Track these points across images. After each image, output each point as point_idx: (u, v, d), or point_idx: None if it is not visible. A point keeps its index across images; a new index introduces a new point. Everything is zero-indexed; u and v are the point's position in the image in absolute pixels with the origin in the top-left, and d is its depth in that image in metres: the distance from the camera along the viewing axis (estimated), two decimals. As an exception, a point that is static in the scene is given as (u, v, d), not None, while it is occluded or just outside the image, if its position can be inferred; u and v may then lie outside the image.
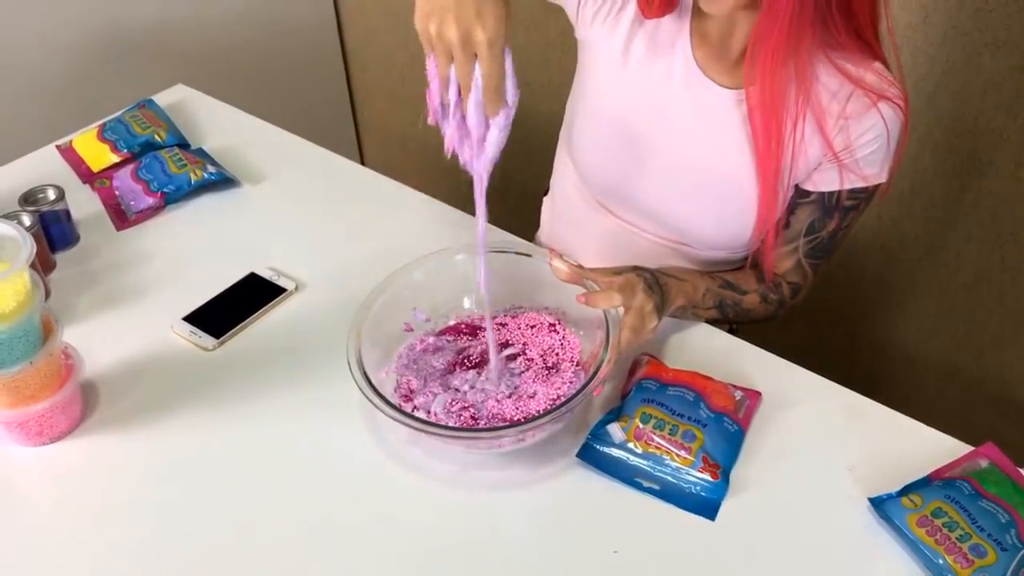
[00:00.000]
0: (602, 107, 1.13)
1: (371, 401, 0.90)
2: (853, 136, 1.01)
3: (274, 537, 0.89)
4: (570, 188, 1.24)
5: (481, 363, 1.02)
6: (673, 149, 1.10)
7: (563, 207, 1.29)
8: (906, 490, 0.90)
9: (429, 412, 0.96)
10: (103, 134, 1.41)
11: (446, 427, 0.91)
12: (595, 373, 0.91)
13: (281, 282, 1.16)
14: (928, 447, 0.97)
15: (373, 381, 0.92)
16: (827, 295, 1.75)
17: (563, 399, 0.93)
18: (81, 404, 1.00)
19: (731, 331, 1.20)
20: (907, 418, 1.01)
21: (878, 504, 0.90)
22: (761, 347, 1.09)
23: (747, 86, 1.01)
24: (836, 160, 1.02)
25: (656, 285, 1.01)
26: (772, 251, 1.10)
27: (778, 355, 1.08)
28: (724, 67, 1.05)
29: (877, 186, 1.05)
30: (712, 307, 1.10)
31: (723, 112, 1.05)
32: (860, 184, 1.04)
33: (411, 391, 0.99)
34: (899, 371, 1.85)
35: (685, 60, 1.06)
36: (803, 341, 1.73)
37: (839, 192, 1.05)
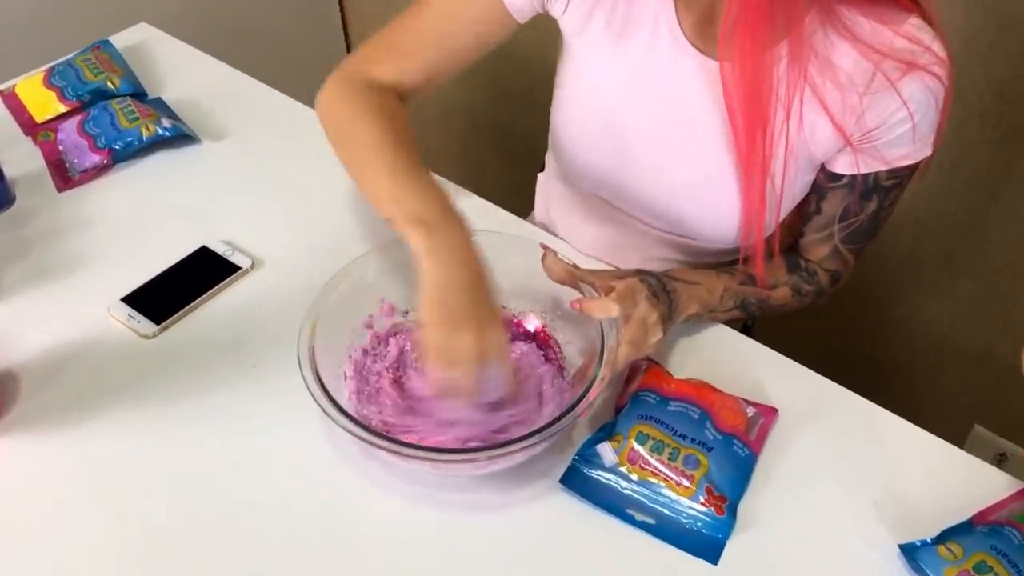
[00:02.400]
0: (582, 94, 0.98)
1: (320, 406, 0.76)
2: (882, 116, 0.85)
3: (214, 553, 0.77)
4: (558, 171, 1.10)
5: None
6: (661, 132, 0.94)
7: (558, 188, 1.14)
8: (944, 536, 0.77)
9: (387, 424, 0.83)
10: (50, 79, 1.26)
11: (404, 444, 0.77)
12: (584, 394, 0.77)
13: (235, 259, 1.02)
14: (971, 479, 0.83)
15: (326, 382, 0.79)
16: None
17: (547, 421, 0.79)
18: (-4, 399, 0.87)
19: (746, 327, 1.06)
20: (944, 443, 0.87)
21: (910, 552, 0.77)
22: (779, 329, 0.95)
23: (722, 61, 0.86)
24: (861, 144, 0.87)
25: (663, 292, 0.87)
26: (762, 260, 0.94)
27: (796, 337, 0.94)
28: (714, 33, 0.89)
29: (921, 160, 0.90)
30: (733, 308, 0.96)
31: (715, 87, 0.89)
32: (898, 164, 0.89)
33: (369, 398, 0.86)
34: (926, 354, 1.71)
35: (670, 29, 0.90)
36: (824, 322, 1.60)
37: (876, 173, 0.90)
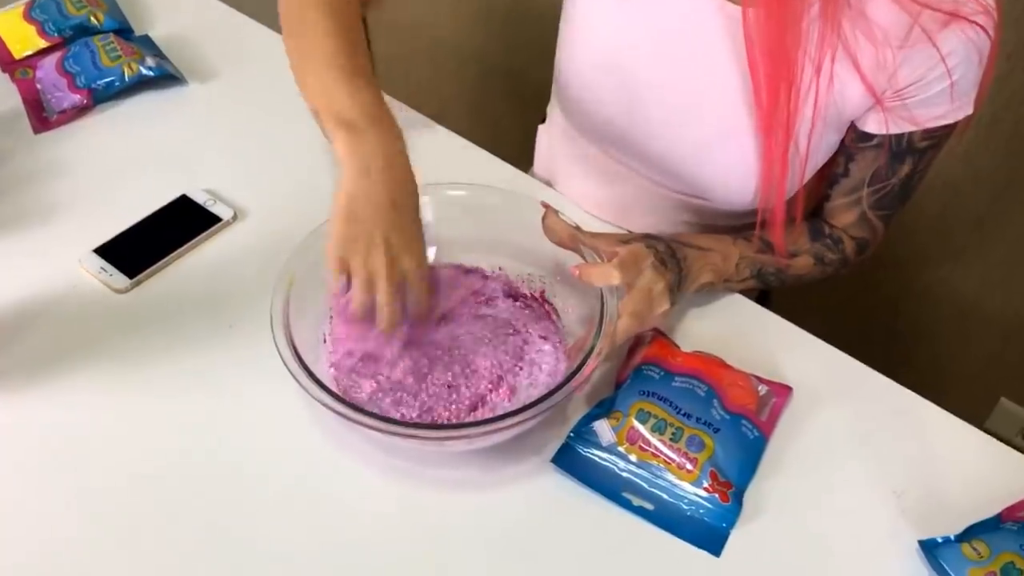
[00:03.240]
0: (590, 41, 0.90)
1: (293, 375, 0.70)
2: (918, 72, 0.77)
3: (183, 516, 0.72)
4: (564, 124, 1.02)
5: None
6: (675, 83, 0.86)
7: (561, 142, 1.06)
8: (969, 533, 0.70)
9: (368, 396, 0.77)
10: (31, 12, 1.18)
11: (381, 418, 0.71)
12: (579, 367, 0.70)
13: (216, 209, 0.96)
14: (1000, 471, 0.77)
15: (300, 347, 0.73)
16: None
17: (536, 397, 0.72)
18: (-44, 355, 0.82)
19: (761, 296, 0.98)
20: (975, 430, 0.80)
21: (931, 549, 0.70)
22: (795, 296, 0.88)
23: (745, 6, 0.77)
24: (892, 103, 0.79)
25: (671, 259, 0.80)
26: (782, 226, 0.87)
27: (816, 300, 0.87)
28: None
29: (960, 120, 0.82)
30: (749, 277, 0.88)
31: (737, 36, 0.81)
32: (936, 124, 0.81)
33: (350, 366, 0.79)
34: (952, 324, 1.63)
35: None
36: (845, 288, 1.52)
37: (909, 134, 0.82)
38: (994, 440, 0.79)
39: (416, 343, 0.79)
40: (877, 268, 1.58)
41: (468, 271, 0.88)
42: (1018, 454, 0.78)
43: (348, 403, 0.69)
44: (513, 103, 2.07)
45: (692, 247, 0.85)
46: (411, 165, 0.74)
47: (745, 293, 0.91)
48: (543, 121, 1.12)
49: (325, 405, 0.68)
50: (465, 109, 2.16)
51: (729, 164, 0.87)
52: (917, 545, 0.71)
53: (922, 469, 0.77)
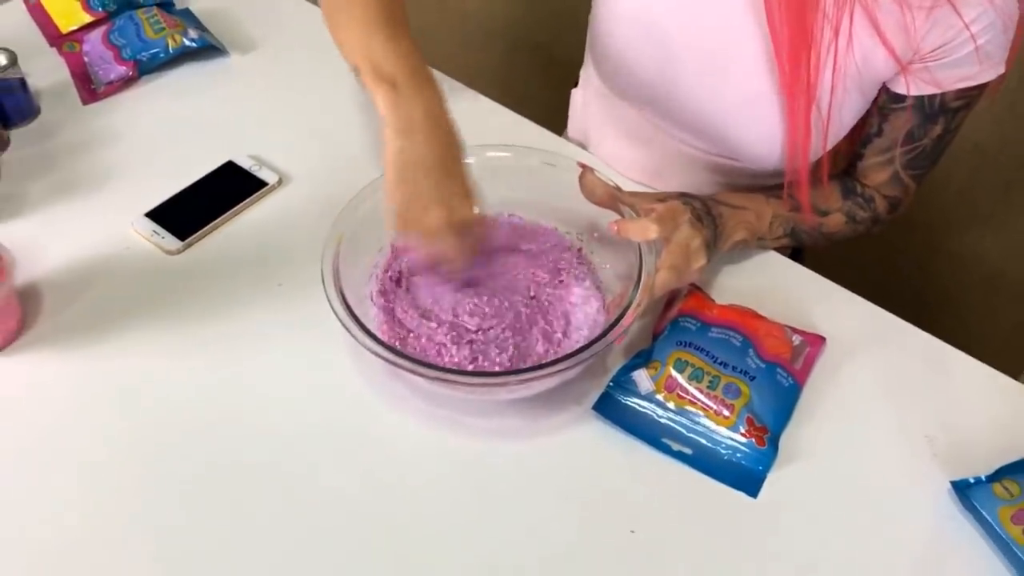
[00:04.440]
0: (625, 5, 0.91)
1: (343, 324, 0.73)
2: (944, 37, 0.78)
3: (227, 476, 0.75)
4: (599, 87, 1.04)
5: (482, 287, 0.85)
6: (707, 45, 0.88)
7: (595, 103, 1.08)
8: (1000, 474, 0.73)
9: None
10: (75, -12, 1.22)
11: (427, 365, 0.74)
12: (619, 319, 0.73)
13: (262, 174, 0.99)
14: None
15: (350, 300, 0.75)
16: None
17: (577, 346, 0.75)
18: (18, 313, 0.85)
19: (794, 253, 1.00)
20: (1004, 376, 0.82)
21: (963, 489, 0.73)
22: (825, 259, 0.90)
23: None
24: (917, 66, 0.80)
25: (707, 216, 0.82)
26: (807, 186, 0.88)
27: (844, 266, 0.89)
28: None
29: (991, 80, 0.83)
30: (783, 235, 0.91)
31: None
32: (968, 84, 0.82)
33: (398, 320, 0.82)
34: (979, 290, 1.64)
35: None
36: (873, 253, 1.53)
37: (942, 94, 0.83)
38: (1022, 386, 0.81)
39: (475, 284, 0.83)
40: (906, 232, 1.60)
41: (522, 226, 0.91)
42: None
43: (396, 350, 0.72)
44: (540, 77, 2.08)
45: (726, 205, 0.87)
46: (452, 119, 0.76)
47: (779, 250, 0.93)
48: (575, 85, 1.14)
49: (374, 352, 0.71)
50: (492, 83, 2.18)
51: (756, 126, 0.89)
52: (949, 486, 0.73)
53: (953, 415, 0.79)
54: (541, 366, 0.71)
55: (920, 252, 1.66)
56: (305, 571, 0.69)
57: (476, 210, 0.77)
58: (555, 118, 1.18)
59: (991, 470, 0.73)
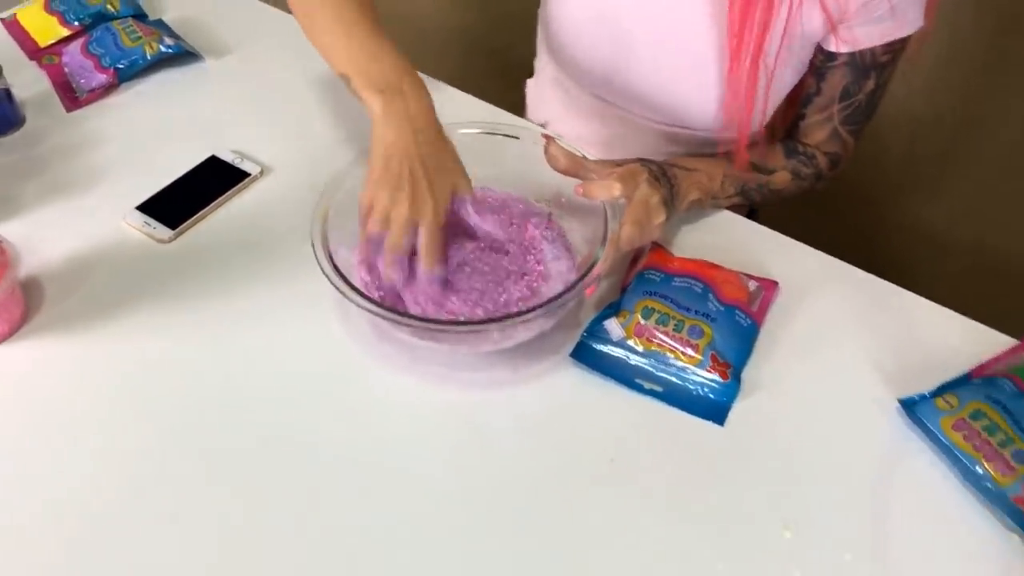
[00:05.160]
0: None
1: (334, 285, 0.79)
2: None
3: (233, 448, 0.80)
4: (554, 74, 1.11)
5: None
6: (658, 15, 0.95)
7: (552, 93, 1.15)
8: (941, 390, 0.80)
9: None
10: (51, 5, 1.27)
11: (415, 317, 0.80)
12: (588, 270, 0.79)
13: (244, 166, 1.04)
14: (967, 341, 0.86)
15: (339, 264, 0.81)
16: (848, 174, 1.61)
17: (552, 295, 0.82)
18: (22, 304, 0.90)
19: (750, 213, 1.08)
20: (944, 308, 0.90)
21: (909, 406, 0.80)
22: (778, 228, 0.98)
23: None
24: (845, 24, 0.89)
25: (663, 176, 0.89)
26: (745, 149, 0.96)
27: (795, 237, 0.97)
28: None
29: (914, 32, 0.92)
30: (734, 194, 0.98)
31: None
32: (891, 38, 0.91)
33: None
34: (927, 256, 1.73)
35: None
36: (821, 224, 1.61)
37: (872, 49, 0.91)
38: (964, 317, 0.89)
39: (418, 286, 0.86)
40: (853, 206, 1.69)
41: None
42: (986, 327, 0.88)
43: (386, 305, 0.78)
44: (499, 81, 2.15)
45: (680, 168, 0.94)
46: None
47: (734, 210, 1.00)
48: (530, 76, 1.21)
49: (366, 309, 0.77)
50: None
51: (704, 91, 0.96)
52: (898, 404, 0.81)
53: (900, 344, 0.86)
54: (520, 312, 0.77)
55: (868, 225, 1.75)
56: (315, 521, 0.74)
57: (439, 218, 0.81)
58: (515, 113, 1.25)
59: (934, 388, 0.80)
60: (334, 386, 0.84)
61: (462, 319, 0.83)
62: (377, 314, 0.77)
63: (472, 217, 0.87)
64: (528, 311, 0.77)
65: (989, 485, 0.74)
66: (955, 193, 1.62)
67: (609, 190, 0.84)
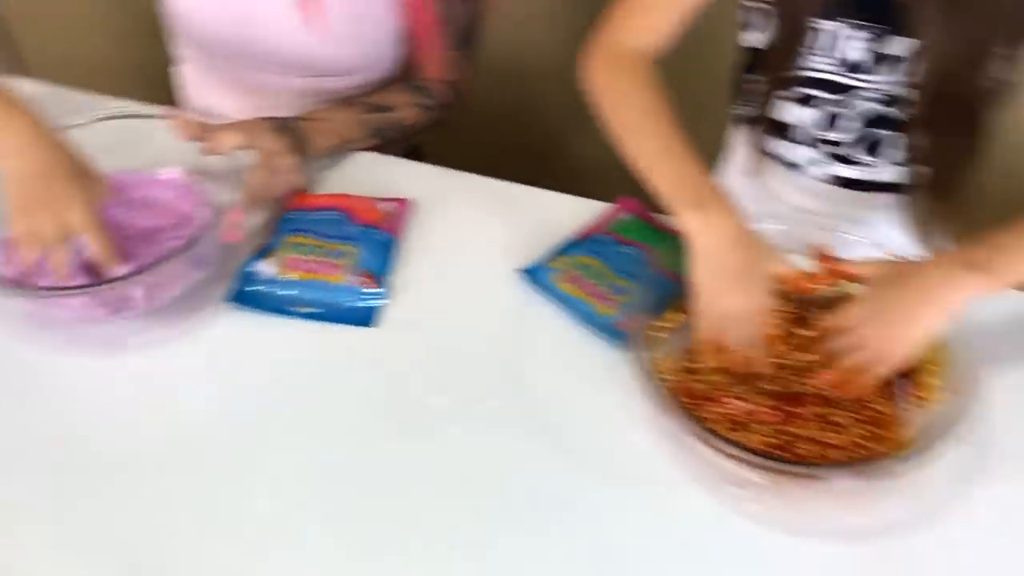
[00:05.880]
0: None
1: None
2: None
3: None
4: (193, 54, 1.17)
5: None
6: None
7: (192, 73, 1.22)
8: (554, 254, 0.93)
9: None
10: None
11: (51, 288, 0.83)
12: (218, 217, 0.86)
13: None
14: (581, 215, 0.99)
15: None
16: (518, 127, 1.77)
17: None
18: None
19: (414, 154, 1.16)
20: (560, 194, 1.03)
21: (530, 272, 0.92)
22: (445, 153, 1.09)
23: None
24: None
25: (286, 128, 0.97)
26: (435, 51, 1.09)
27: (461, 158, 1.07)
28: None
29: None
30: (371, 136, 1.08)
31: None
32: None
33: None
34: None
35: None
36: (486, 153, 1.74)
37: None
38: (587, 200, 1.02)
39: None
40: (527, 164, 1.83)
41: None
42: (592, 201, 1.01)
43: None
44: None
45: (307, 120, 1.01)
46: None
47: (388, 151, 1.10)
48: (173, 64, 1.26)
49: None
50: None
51: (366, 27, 1.07)
52: (521, 273, 0.92)
53: (523, 229, 0.98)
54: (136, 272, 0.83)
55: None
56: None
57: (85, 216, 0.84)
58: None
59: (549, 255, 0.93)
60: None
61: (100, 281, 0.86)
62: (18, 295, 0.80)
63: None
64: (165, 258, 0.82)
65: (598, 319, 0.87)
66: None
67: (231, 139, 0.91)
